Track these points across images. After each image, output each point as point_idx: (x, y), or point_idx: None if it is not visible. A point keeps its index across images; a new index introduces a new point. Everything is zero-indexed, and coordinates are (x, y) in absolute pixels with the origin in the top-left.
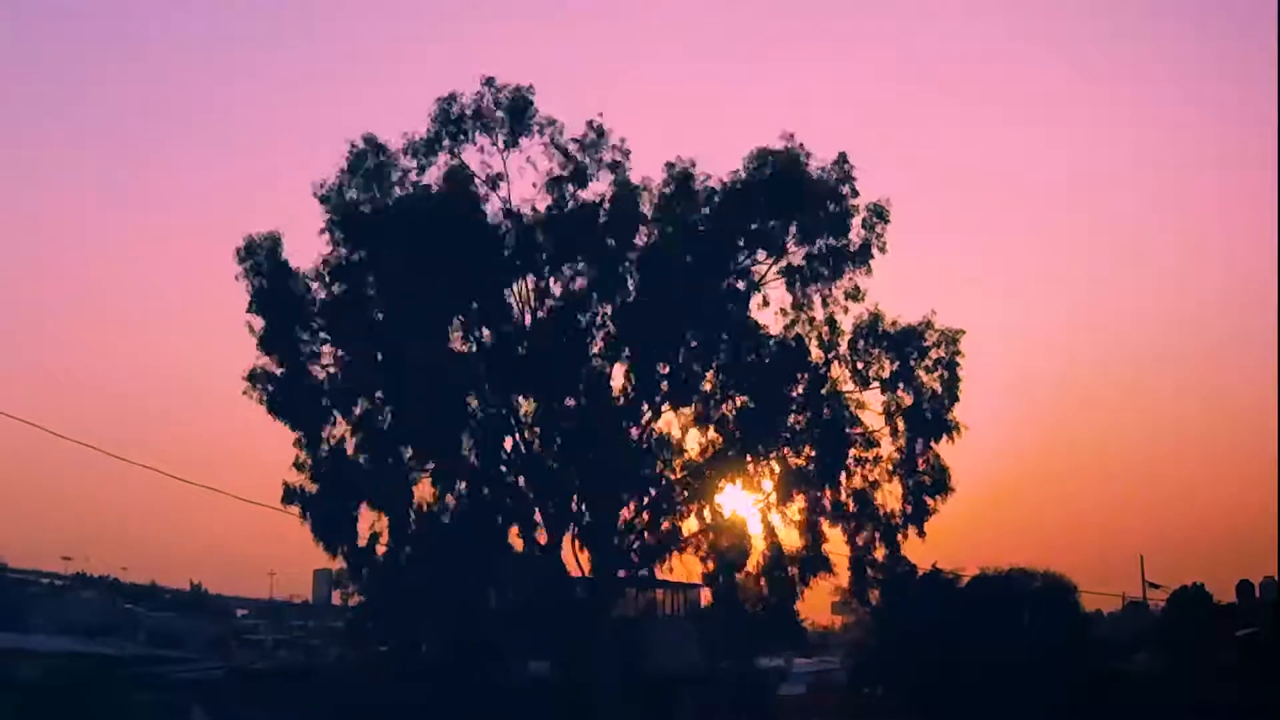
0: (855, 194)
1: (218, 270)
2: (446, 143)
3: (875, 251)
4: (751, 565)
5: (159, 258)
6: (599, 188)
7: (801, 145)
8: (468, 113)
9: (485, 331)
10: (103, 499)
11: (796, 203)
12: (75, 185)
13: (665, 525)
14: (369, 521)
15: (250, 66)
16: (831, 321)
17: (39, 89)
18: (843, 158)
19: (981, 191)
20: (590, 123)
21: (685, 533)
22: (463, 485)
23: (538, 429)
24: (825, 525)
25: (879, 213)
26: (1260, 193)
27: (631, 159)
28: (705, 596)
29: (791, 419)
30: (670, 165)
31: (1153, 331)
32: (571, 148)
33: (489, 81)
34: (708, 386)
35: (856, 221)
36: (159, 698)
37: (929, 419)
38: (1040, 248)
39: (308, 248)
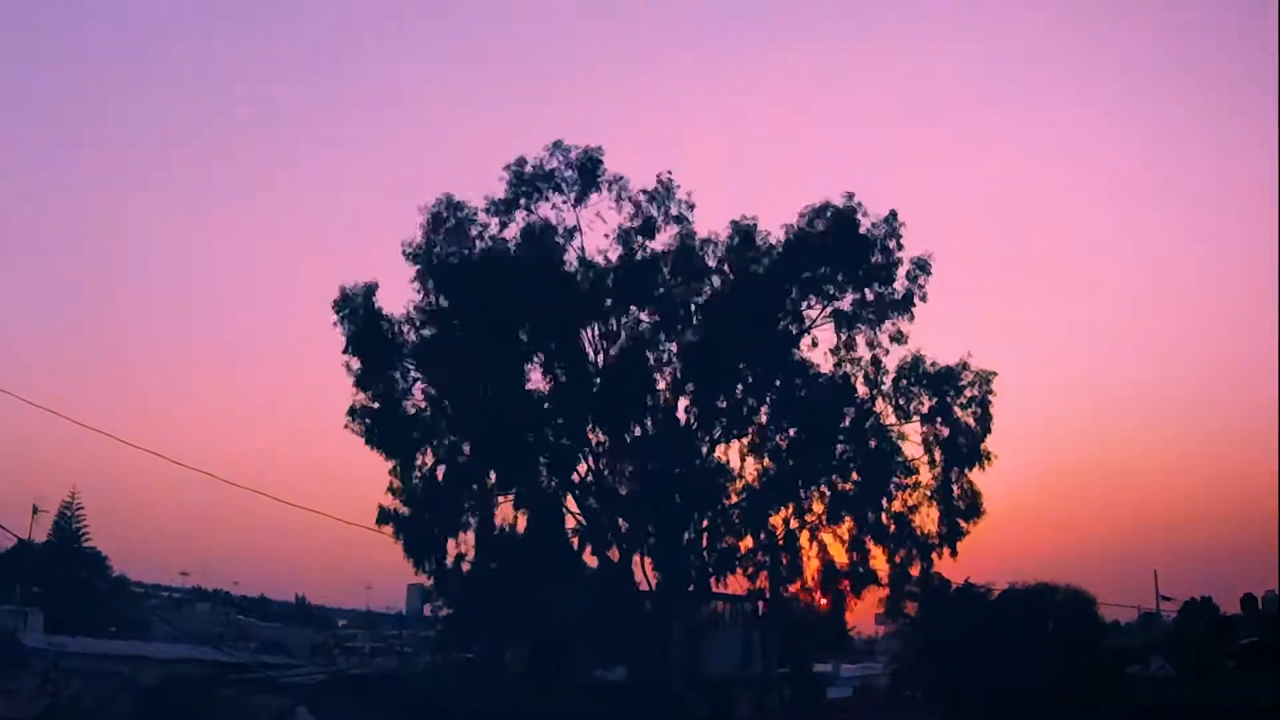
0: (901, 247)
1: (318, 316)
2: (522, 201)
3: (917, 300)
4: (803, 581)
5: (266, 307)
6: (665, 238)
7: (859, 202)
8: (540, 173)
9: (560, 370)
10: (217, 520)
11: (848, 255)
12: (199, 242)
13: (725, 544)
14: (455, 540)
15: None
16: (876, 362)
17: (145, 157)
18: (893, 215)
19: (1009, 236)
20: (658, 177)
21: (742, 550)
22: (540, 508)
23: (609, 457)
24: (869, 544)
25: (922, 266)
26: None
27: (695, 211)
28: (761, 608)
29: (839, 449)
30: (734, 222)
31: (1165, 372)
32: (639, 201)
33: (557, 144)
34: (763, 419)
35: (901, 272)
36: (267, 699)
37: (963, 450)
38: (1060, 285)
39: (397, 295)
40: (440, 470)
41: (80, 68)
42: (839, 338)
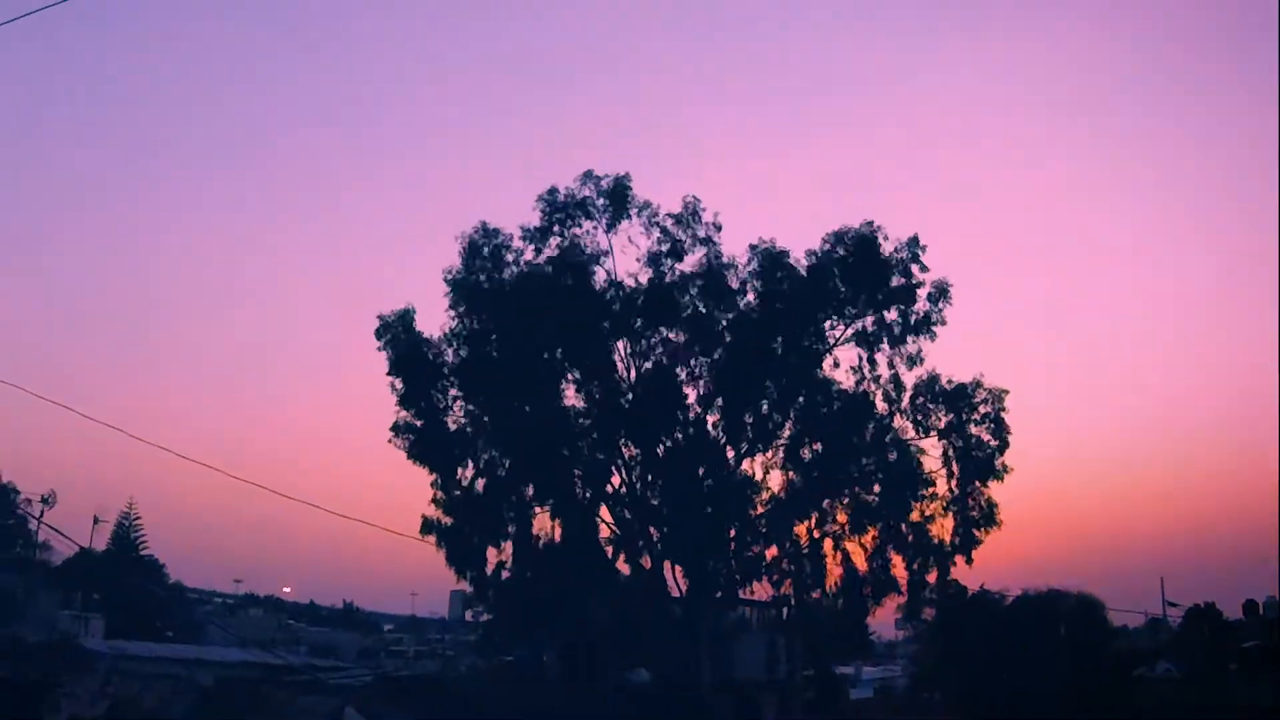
0: (925, 269)
1: (364, 337)
2: (555, 227)
3: (936, 323)
4: (826, 587)
5: (315, 329)
6: (694, 260)
7: (880, 227)
8: (573, 200)
9: (594, 387)
10: (269, 530)
11: (870, 277)
12: (255, 268)
13: (751, 552)
14: (494, 549)
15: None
16: (896, 379)
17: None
18: (915, 240)
19: (1021, 255)
20: (685, 202)
21: (768, 558)
22: (575, 518)
23: (641, 470)
24: (889, 552)
25: (942, 290)
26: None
27: (722, 233)
28: (786, 613)
29: (860, 462)
30: (754, 246)
31: (1171, 389)
32: (668, 225)
33: (589, 174)
34: (788, 434)
35: (922, 294)
36: (317, 700)
37: (979, 463)
38: (1070, 301)
39: (437, 318)
40: (480, 483)
41: (128, 109)
42: (860, 357)
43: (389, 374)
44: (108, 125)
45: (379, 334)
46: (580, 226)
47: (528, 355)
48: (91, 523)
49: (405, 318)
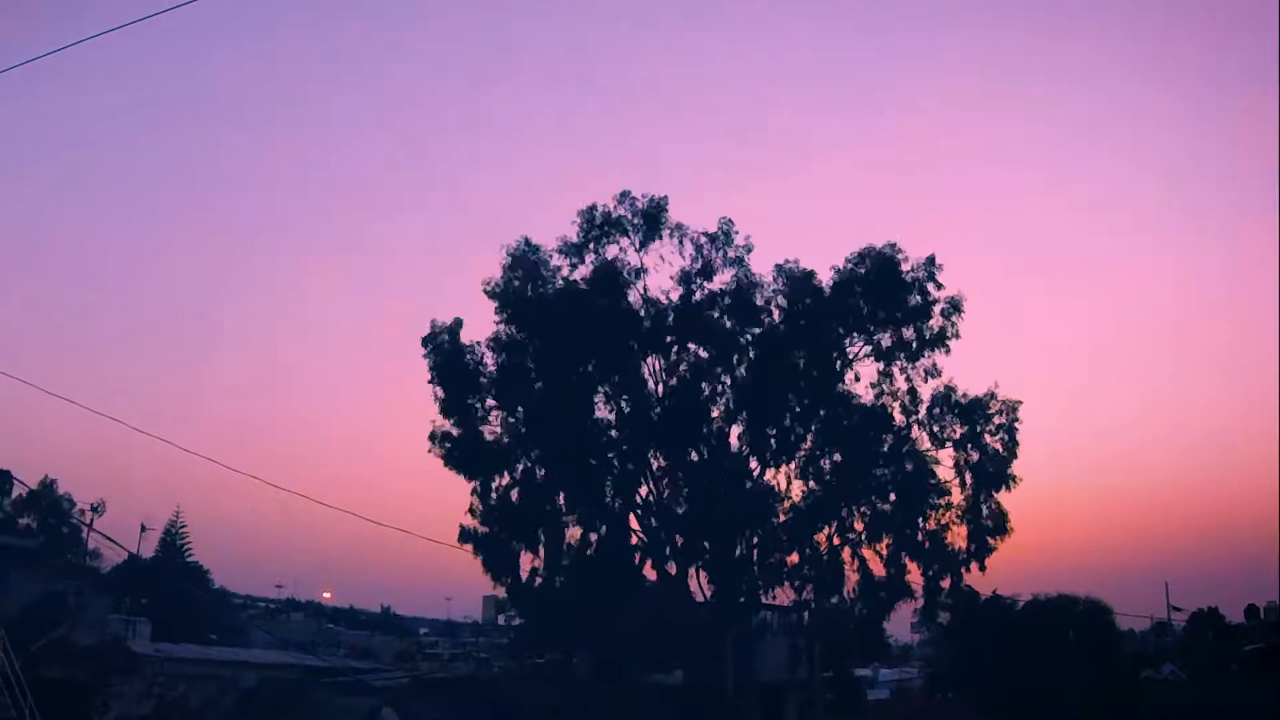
0: (941, 287)
1: (401, 350)
2: (592, 244)
3: (950, 338)
4: (844, 592)
5: (355, 342)
6: (723, 279)
7: (900, 248)
8: (609, 219)
9: (624, 400)
10: (310, 538)
11: (889, 296)
12: (299, 285)
13: (773, 559)
14: (528, 556)
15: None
16: (913, 393)
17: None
18: (931, 259)
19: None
20: (719, 224)
21: (789, 564)
22: (605, 527)
23: (668, 480)
24: (905, 559)
25: (955, 305)
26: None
27: (750, 255)
28: (806, 617)
29: (878, 472)
30: (781, 266)
31: (1176, 396)
32: (701, 244)
33: (625, 194)
34: (809, 445)
35: (936, 310)
36: (355, 700)
37: (992, 473)
38: (1081, 320)
39: (475, 330)
40: (515, 492)
41: (177, 124)
42: (879, 371)
43: (431, 382)
44: (156, 140)
45: (425, 342)
46: (616, 244)
47: (563, 368)
48: (139, 530)
49: (453, 328)
